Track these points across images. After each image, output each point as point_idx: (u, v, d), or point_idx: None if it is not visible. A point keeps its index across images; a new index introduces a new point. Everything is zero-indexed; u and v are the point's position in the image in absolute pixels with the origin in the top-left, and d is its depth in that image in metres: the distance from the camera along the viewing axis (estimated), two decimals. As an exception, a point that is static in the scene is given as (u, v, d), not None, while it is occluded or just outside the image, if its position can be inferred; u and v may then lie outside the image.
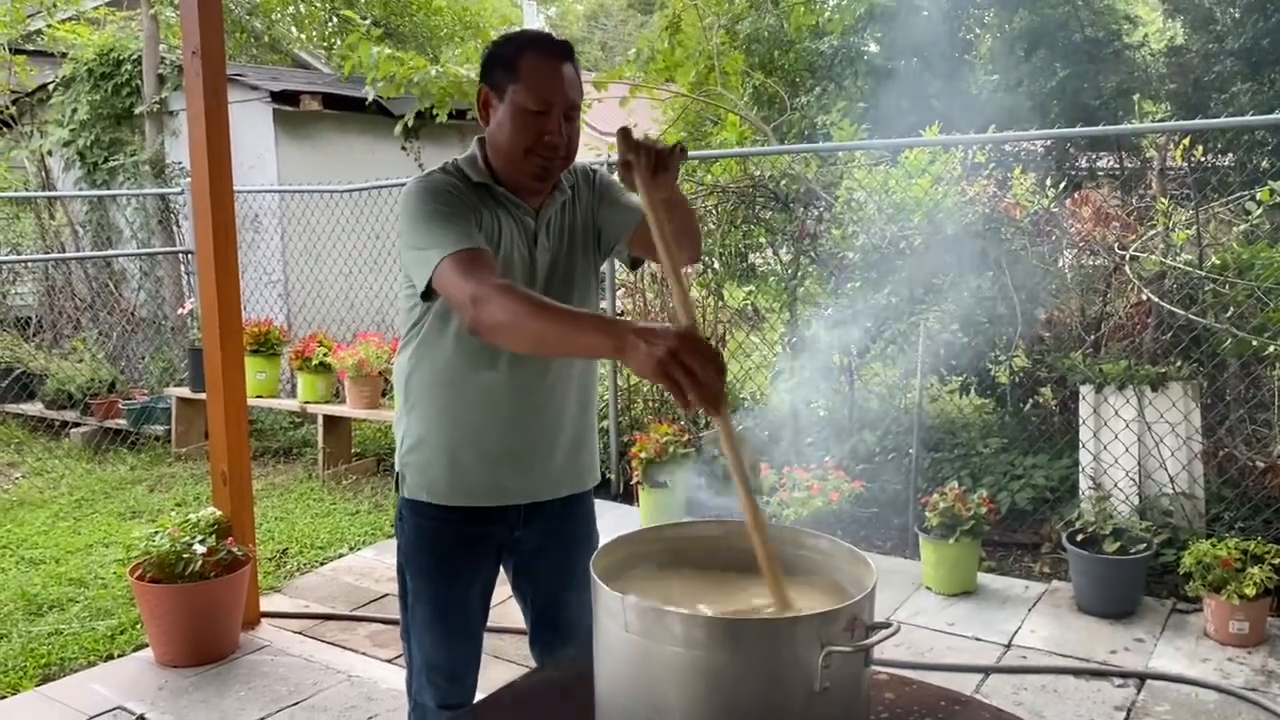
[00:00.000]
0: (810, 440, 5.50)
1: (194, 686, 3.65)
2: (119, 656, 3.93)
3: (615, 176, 2.19)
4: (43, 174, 9.17)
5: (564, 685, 1.74)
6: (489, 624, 2.30)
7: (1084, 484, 4.65)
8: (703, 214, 6.05)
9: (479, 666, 2.26)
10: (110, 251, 8.77)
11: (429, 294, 1.91)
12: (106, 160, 8.75)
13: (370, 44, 6.91)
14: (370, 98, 7.21)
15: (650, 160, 1.72)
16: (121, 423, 7.24)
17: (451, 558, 2.17)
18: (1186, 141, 4.94)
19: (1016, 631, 4.02)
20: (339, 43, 12.54)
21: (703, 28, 8.55)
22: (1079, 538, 4.26)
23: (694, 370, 1.40)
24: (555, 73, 1.98)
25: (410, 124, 7.40)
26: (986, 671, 3.70)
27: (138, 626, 4.07)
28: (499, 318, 1.73)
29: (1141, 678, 3.61)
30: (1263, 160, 6.42)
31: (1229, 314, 4.51)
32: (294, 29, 14.24)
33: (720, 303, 6.34)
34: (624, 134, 1.75)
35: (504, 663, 3.59)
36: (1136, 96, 6.17)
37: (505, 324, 1.73)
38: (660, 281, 6.17)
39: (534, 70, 1.97)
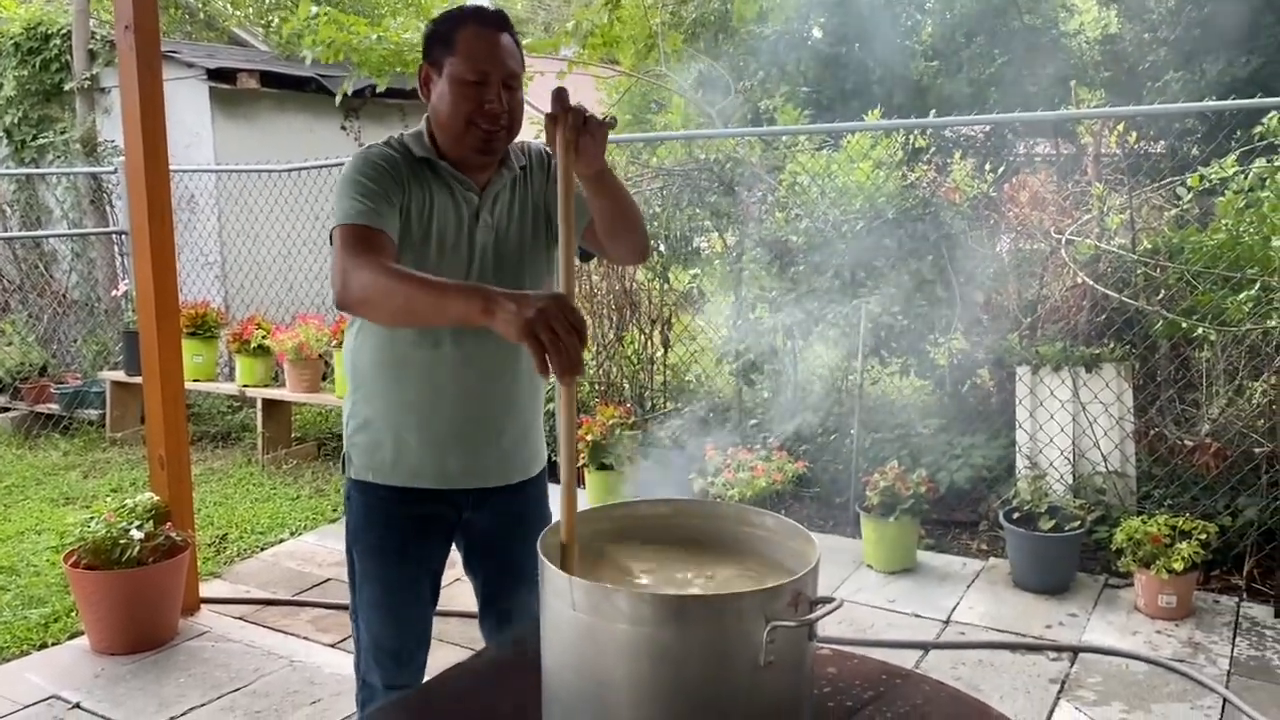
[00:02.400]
0: (754, 422, 5.55)
1: (132, 674, 3.59)
2: (53, 645, 3.85)
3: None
4: (-33, 152, 8.89)
5: (511, 666, 1.74)
6: (436, 607, 2.29)
7: (1020, 463, 4.75)
8: (648, 197, 6.05)
9: (428, 647, 2.26)
10: (40, 232, 8.53)
11: None
12: (35, 138, 8.49)
13: (309, 5, 6.77)
14: (309, 60, 7.06)
15: (577, 121, 1.70)
16: (53, 407, 7.07)
17: (399, 538, 2.16)
18: (1121, 128, 5.05)
19: (955, 608, 4.10)
20: (276, 19, 12.30)
21: (644, 5, 8.51)
22: (1015, 516, 4.36)
23: (559, 335, 1.44)
24: (492, 43, 1.98)
25: (350, 92, 7.27)
26: (926, 647, 3.77)
27: (72, 614, 3.99)
28: (363, 291, 1.77)
29: (1075, 651, 3.71)
30: (1193, 148, 6.58)
31: (1160, 297, 4.62)
32: (229, 5, 13.94)
33: (666, 285, 6.35)
34: (559, 92, 1.73)
35: (450, 646, 3.58)
36: (1073, 83, 6.27)
37: (369, 297, 1.77)
38: (606, 265, 6.16)
39: (470, 42, 1.97)
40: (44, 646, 3.85)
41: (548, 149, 2.22)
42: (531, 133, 7.14)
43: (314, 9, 6.65)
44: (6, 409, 7.22)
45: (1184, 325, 4.41)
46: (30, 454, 6.56)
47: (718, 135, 6.31)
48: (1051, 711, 3.31)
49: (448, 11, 2.07)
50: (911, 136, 5.45)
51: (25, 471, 6.14)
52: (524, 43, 2.20)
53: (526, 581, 2.20)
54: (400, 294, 1.72)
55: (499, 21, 2.02)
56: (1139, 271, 4.71)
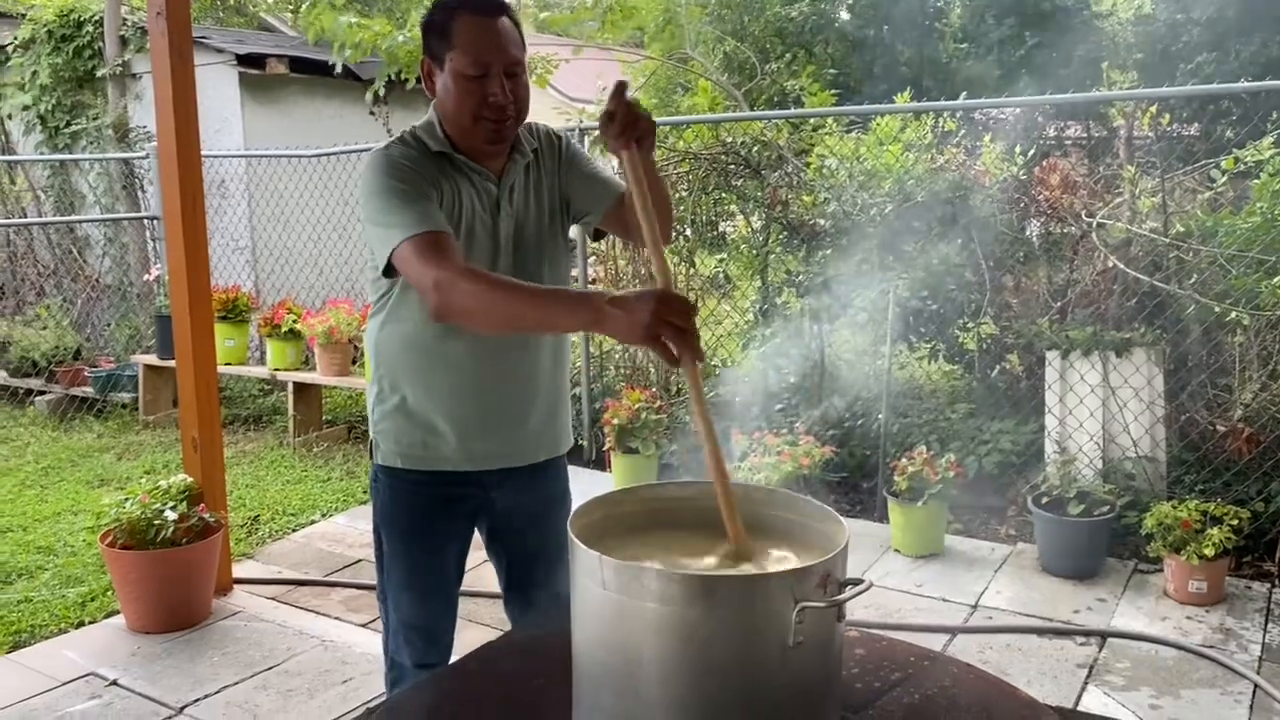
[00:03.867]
0: (781, 406, 5.54)
1: (167, 652, 3.65)
2: (90, 623, 3.92)
3: (582, 144, 2.17)
4: (2, 138, 8.99)
5: (539, 644, 1.76)
6: (463, 587, 2.32)
7: (1049, 448, 4.72)
8: (674, 180, 6.04)
9: (455, 626, 2.29)
10: (74, 217, 8.63)
11: (390, 271, 1.92)
12: (68, 124, 8.59)
13: (334, 15, 6.79)
14: (338, 67, 7.11)
15: (626, 115, 1.65)
16: (88, 390, 7.17)
17: (426, 521, 2.18)
18: (1153, 110, 4.99)
19: (983, 592, 4.10)
20: (305, 5, 12.32)
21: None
22: (1044, 500, 4.34)
23: (681, 328, 1.47)
24: (490, 32, 1.94)
25: (380, 93, 7.31)
26: (954, 631, 3.77)
27: (108, 593, 4.05)
28: (466, 304, 1.74)
29: (1103, 636, 3.70)
30: (1227, 129, 6.50)
31: (1192, 281, 4.58)
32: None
33: (692, 270, 6.34)
34: (620, 87, 1.68)
35: (478, 626, 3.61)
36: (1105, 65, 6.21)
37: (473, 309, 1.75)
38: (630, 248, 6.16)
39: (468, 33, 1.93)
40: (81, 625, 3.92)
41: (557, 133, 2.22)
42: (559, 122, 7.15)
43: (339, 20, 6.67)
44: (42, 392, 7.32)
45: (1216, 309, 4.36)
46: (65, 436, 6.66)
47: (745, 118, 6.29)
48: (1079, 696, 3.30)
49: (441, 0, 2.01)
50: (941, 119, 5.41)
51: (61, 454, 6.24)
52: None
53: (550, 562, 2.23)
54: (504, 307, 1.72)
55: (496, 7, 1.96)
56: (1171, 255, 4.66)
